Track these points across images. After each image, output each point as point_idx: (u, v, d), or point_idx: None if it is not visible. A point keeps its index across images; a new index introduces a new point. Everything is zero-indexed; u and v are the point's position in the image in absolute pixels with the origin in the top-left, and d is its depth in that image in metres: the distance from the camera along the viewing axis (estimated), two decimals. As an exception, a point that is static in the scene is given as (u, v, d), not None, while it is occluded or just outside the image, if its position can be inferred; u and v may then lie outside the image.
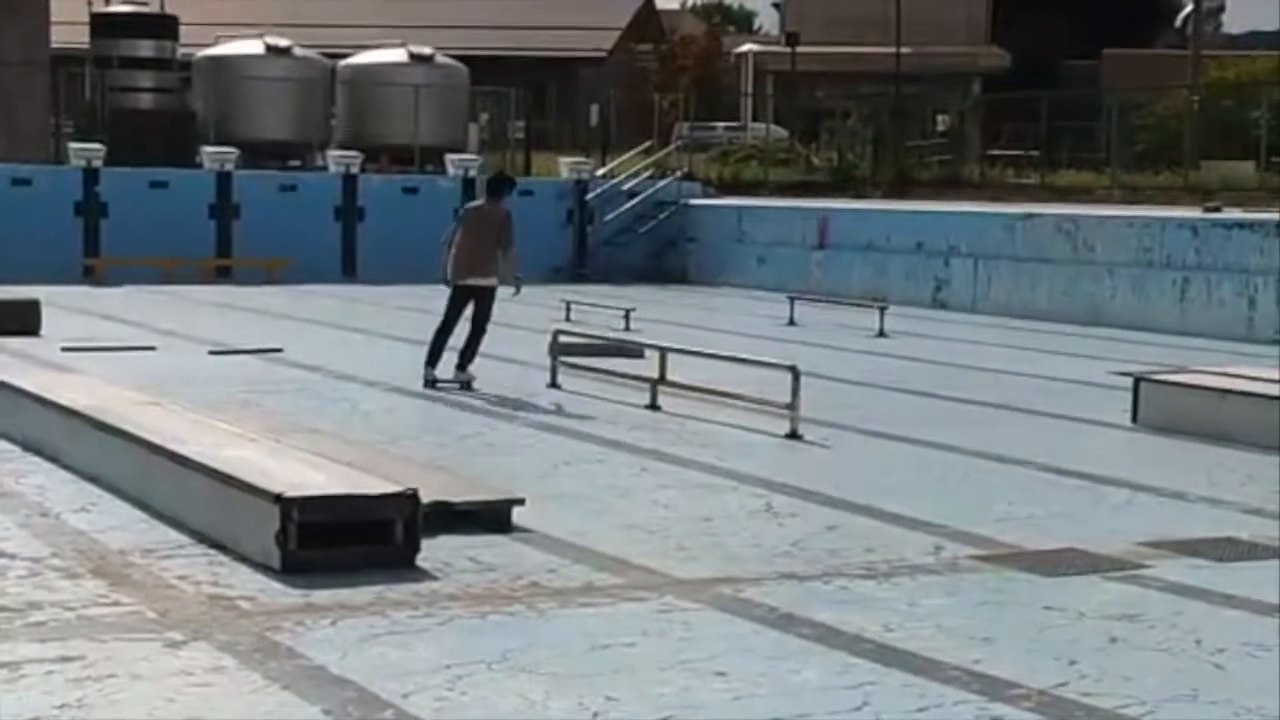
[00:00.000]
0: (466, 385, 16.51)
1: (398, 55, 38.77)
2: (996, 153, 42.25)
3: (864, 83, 54.16)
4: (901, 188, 38.18)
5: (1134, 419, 15.07)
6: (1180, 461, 13.24)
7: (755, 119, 55.79)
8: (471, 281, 16.64)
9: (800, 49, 55.41)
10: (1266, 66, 58.65)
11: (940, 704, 6.80)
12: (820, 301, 27.26)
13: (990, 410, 16.15)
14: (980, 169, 39.87)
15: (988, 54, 62.83)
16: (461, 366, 16.66)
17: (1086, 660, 7.48)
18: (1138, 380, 15.34)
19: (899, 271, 30.09)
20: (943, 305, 28.78)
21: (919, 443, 13.96)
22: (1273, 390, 14.55)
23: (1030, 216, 28.14)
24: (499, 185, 17.41)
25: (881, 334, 23.60)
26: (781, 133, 51.48)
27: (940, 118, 43.07)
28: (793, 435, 13.93)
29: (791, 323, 25.29)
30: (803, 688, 7.01)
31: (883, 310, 24.35)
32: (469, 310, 16.74)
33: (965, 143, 42.62)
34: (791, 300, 26.19)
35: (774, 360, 15.55)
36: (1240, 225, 24.78)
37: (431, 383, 16.59)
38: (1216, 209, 27.09)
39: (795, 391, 14.01)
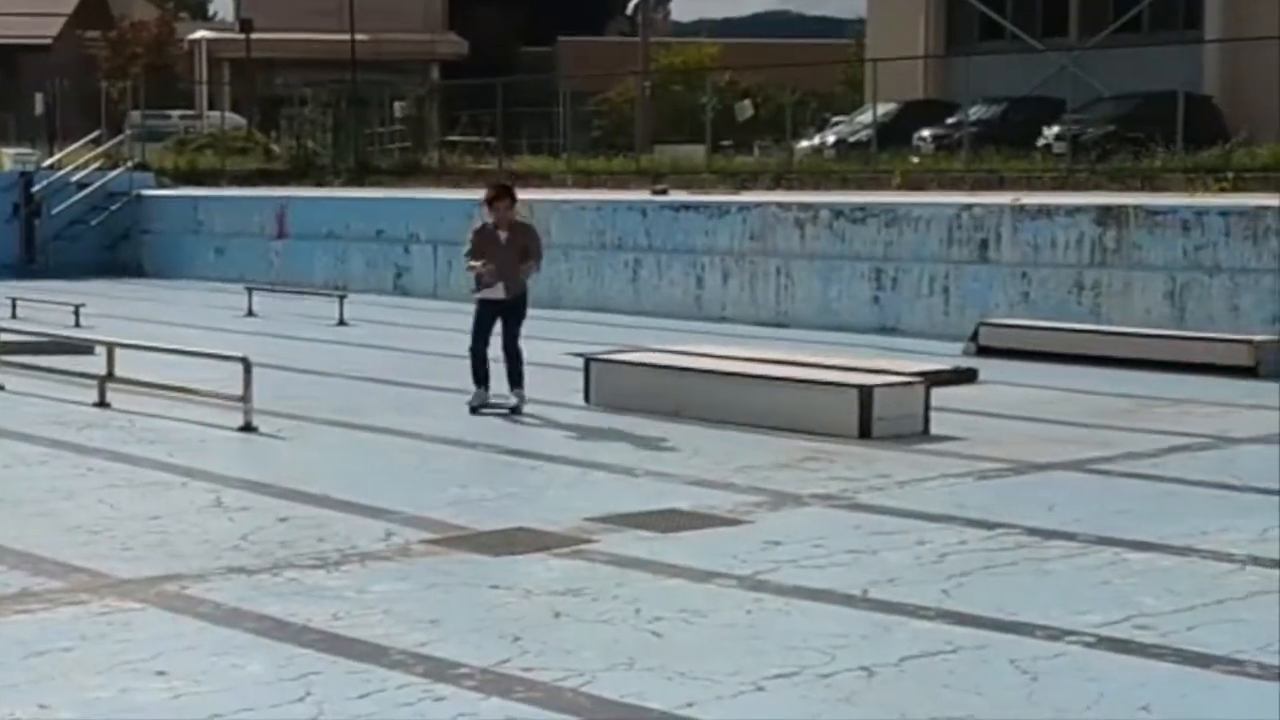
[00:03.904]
0: None
1: None
2: (455, 139, 42.61)
3: (322, 70, 53.77)
4: (362, 175, 38.10)
5: (586, 398, 15.42)
6: (629, 438, 13.59)
7: (212, 107, 54.78)
8: None
9: (256, 36, 54.68)
10: (712, 53, 61.01)
11: (384, 688, 6.81)
12: (281, 291, 26.97)
13: (448, 395, 16.21)
14: (440, 156, 40.13)
15: (446, 41, 63.37)
16: None
17: (530, 636, 7.61)
18: (588, 360, 15.72)
19: (360, 259, 30.05)
20: (404, 292, 28.87)
21: (376, 430, 13.98)
22: (717, 366, 15.15)
23: (487, 202, 28.45)
24: None
25: (342, 322, 23.52)
26: (239, 121, 50.72)
27: (399, 105, 43.13)
28: (247, 428, 13.73)
29: (251, 314, 24.96)
30: (246, 682, 6.91)
31: (342, 299, 24.26)
32: None
33: (424, 130, 42.82)
34: (250, 291, 25.82)
35: (226, 352, 15.28)
36: (686, 207, 25.67)
37: None
38: (663, 191, 28.00)
39: (248, 384, 13.81)
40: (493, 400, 14.96)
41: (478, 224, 15.92)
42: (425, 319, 24.43)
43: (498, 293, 15.13)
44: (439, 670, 7.08)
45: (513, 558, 9.26)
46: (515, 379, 15.07)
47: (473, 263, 15.14)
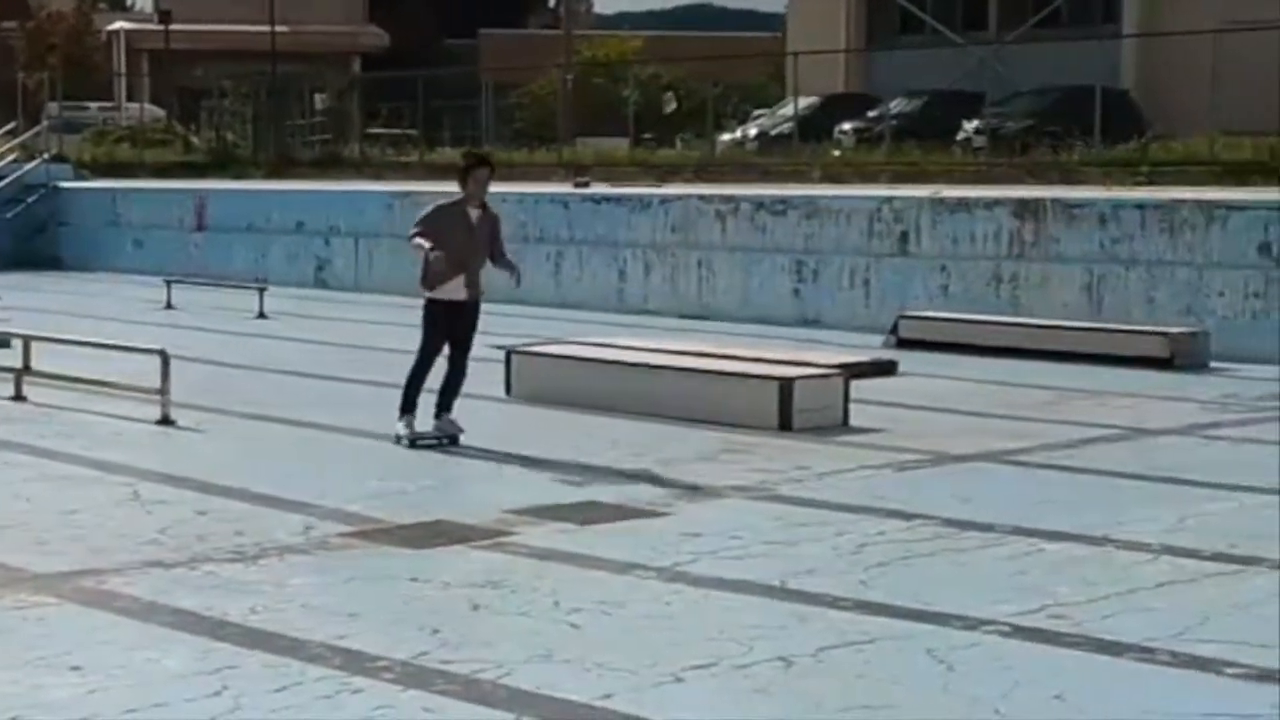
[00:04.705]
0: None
1: None
2: (377, 131, 42.48)
3: (242, 61, 53.41)
4: (283, 167, 37.89)
5: (508, 391, 15.40)
6: (550, 430, 13.60)
7: (130, 99, 54.33)
8: None
9: (175, 27, 54.34)
10: (635, 46, 61.05)
11: (301, 682, 6.80)
12: (200, 284, 26.79)
13: (369, 389, 16.17)
14: (361, 148, 39.98)
15: (367, 34, 63.15)
16: None
17: (449, 628, 7.61)
18: (509, 353, 15.71)
19: (280, 252, 29.87)
20: (325, 285, 28.73)
21: (296, 423, 13.92)
22: (637, 358, 15.17)
23: (407, 194, 28.37)
24: None
25: (262, 315, 23.39)
26: (158, 113, 50.34)
27: (319, 97, 42.93)
28: (165, 421, 13.64)
29: (169, 306, 24.79)
30: (161, 677, 6.88)
31: (262, 291, 24.12)
32: None
33: (345, 122, 42.64)
34: (169, 284, 25.64)
35: (144, 345, 15.17)
36: (608, 200, 25.67)
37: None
38: (585, 184, 27.99)
39: (165, 376, 13.73)
40: (429, 433, 12.57)
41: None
42: (346, 312, 24.34)
43: (456, 291, 12.42)
44: (357, 663, 7.07)
45: (432, 550, 9.26)
46: (449, 402, 12.63)
47: (420, 241, 12.13)
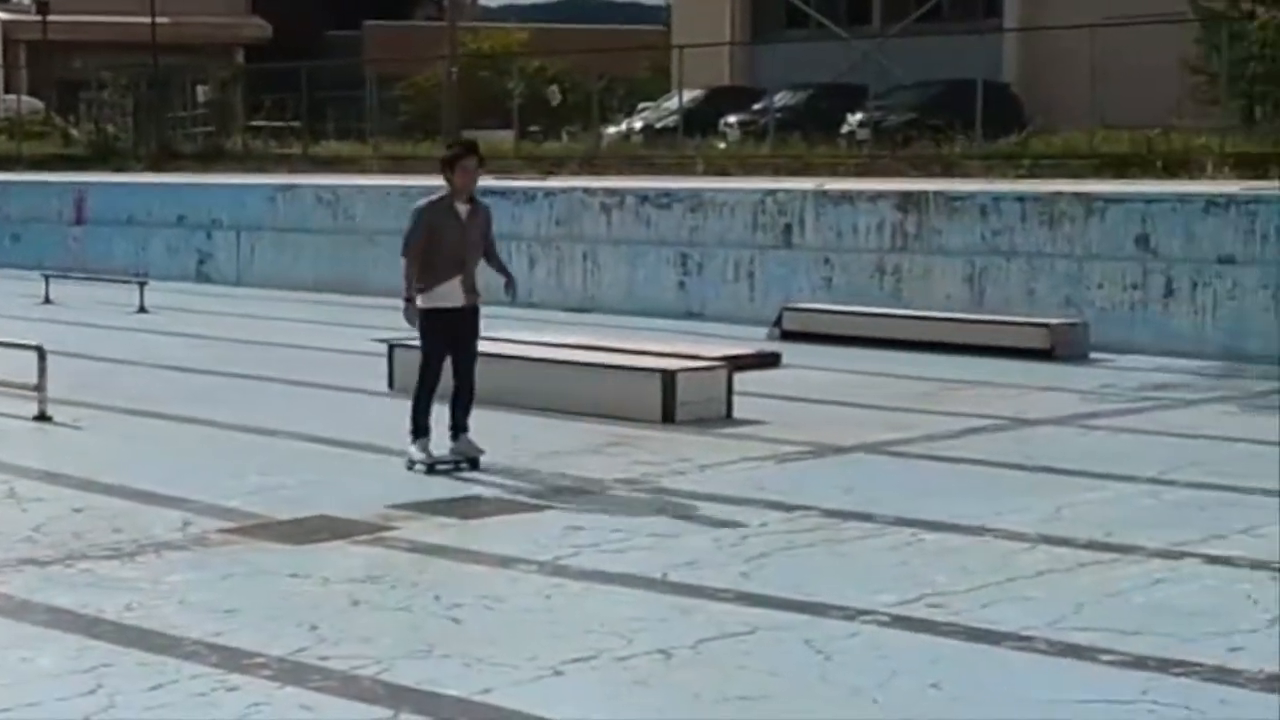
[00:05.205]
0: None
1: None
2: (260, 124, 42.07)
3: (123, 53, 52.77)
4: (164, 160, 37.47)
5: (390, 385, 15.31)
6: (433, 424, 13.48)
7: (7, 90, 53.51)
8: None
9: (53, 18, 53.52)
10: (521, 38, 60.90)
11: (176, 679, 6.73)
12: (79, 278, 26.43)
13: (252, 383, 16.07)
14: (244, 140, 39.62)
15: (249, 25, 62.58)
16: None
17: (327, 624, 7.56)
18: (392, 346, 15.61)
19: (161, 245, 29.51)
20: (207, 279, 28.43)
21: (175, 419, 13.78)
22: (521, 351, 15.13)
23: (290, 187, 28.20)
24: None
25: (143, 309, 23.12)
26: (36, 105, 49.62)
27: (201, 89, 42.48)
28: (42, 417, 13.45)
29: (48, 301, 24.44)
30: (34, 675, 6.80)
31: (142, 285, 23.85)
32: None
33: (228, 114, 42.21)
34: (47, 278, 25.28)
35: (20, 340, 14.95)
36: (492, 192, 25.46)
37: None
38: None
39: (42, 371, 13.54)
40: (446, 457, 11.42)
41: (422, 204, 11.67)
42: (228, 306, 24.09)
43: (452, 298, 11.34)
44: (233, 660, 7.01)
45: (312, 546, 9.19)
46: (463, 421, 11.53)
47: (406, 283, 11.30)
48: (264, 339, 19.67)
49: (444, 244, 11.29)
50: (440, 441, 11.53)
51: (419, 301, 11.33)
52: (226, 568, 8.71)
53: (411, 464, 11.36)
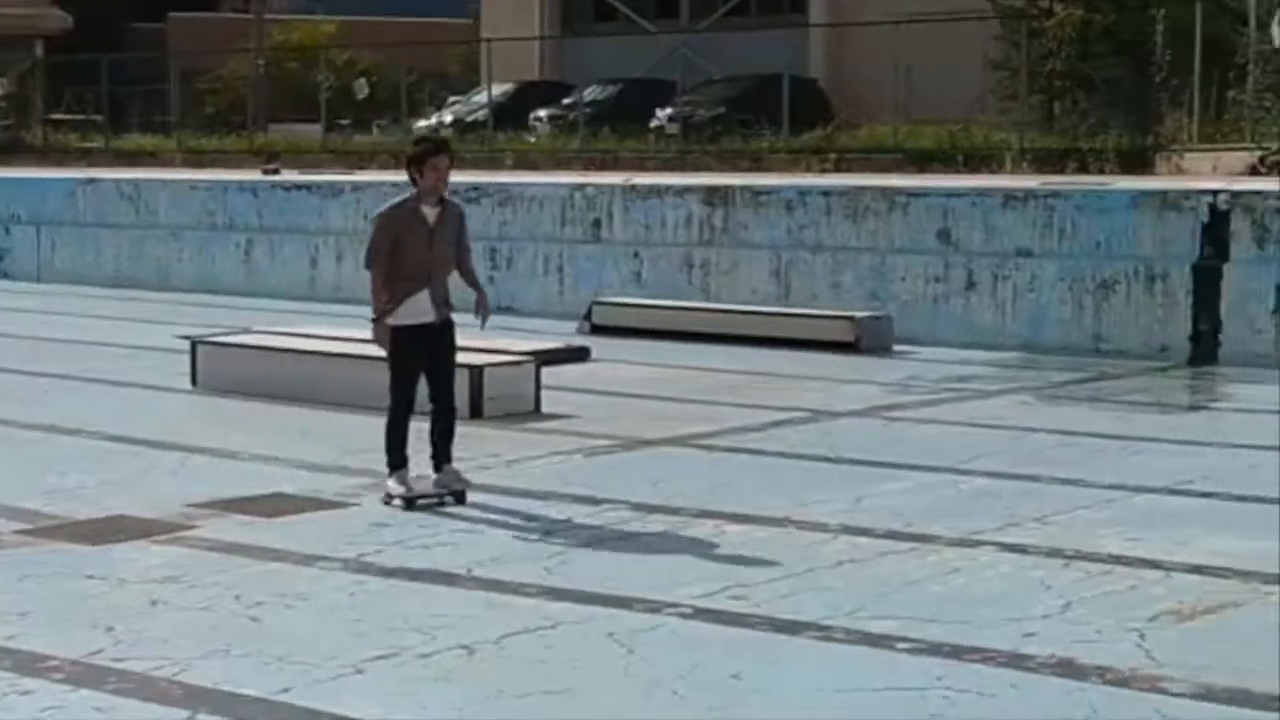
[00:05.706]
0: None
1: None
2: (60, 117, 41.36)
3: (-83, 44, 51.59)
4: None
5: (194, 382, 15.11)
6: (237, 422, 13.37)
7: None
8: None
9: None
10: (329, 31, 60.36)
11: (-35, 685, 6.60)
12: None
13: (51, 381, 15.75)
14: (44, 133, 38.90)
15: (49, 16, 61.21)
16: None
17: (124, 626, 7.45)
18: (195, 343, 15.42)
19: (-42, 241, 28.86)
20: (6, 275, 27.82)
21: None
22: (325, 347, 15.01)
23: (91, 182, 27.69)
24: None
25: (-62, 307, 22.58)
26: None
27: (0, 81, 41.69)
28: None
29: None
30: None
31: (-62, 282, 23.31)
32: None
33: (27, 107, 41.43)
34: None
35: None
36: (299, 187, 25.34)
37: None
38: (275, 171, 27.61)
39: None
40: (429, 492, 10.24)
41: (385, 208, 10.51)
42: (26, 302, 23.57)
43: (421, 313, 10.19)
44: (27, 663, 6.88)
45: (110, 546, 9.04)
46: (446, 450, 10.36)
47: (374, 299, 10.22)
48: (64, 336, 19.29)
49: (409, 252, 10.06)
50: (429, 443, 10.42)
51: (393, 319, 10.16)
52: (21, 569, 8.54)
53: (389, 499, 10.14)
